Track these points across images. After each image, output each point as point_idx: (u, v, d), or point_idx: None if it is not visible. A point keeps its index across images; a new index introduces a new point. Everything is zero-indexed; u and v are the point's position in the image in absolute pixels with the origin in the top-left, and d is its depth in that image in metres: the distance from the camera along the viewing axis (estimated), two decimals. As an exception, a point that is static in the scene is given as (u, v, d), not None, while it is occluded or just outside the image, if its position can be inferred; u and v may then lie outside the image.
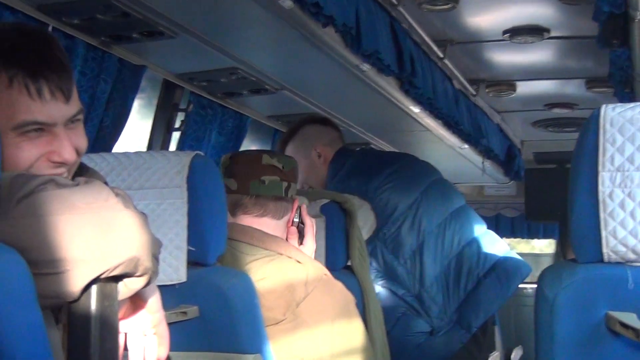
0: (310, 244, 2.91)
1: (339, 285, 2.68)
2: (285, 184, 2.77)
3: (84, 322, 1.39)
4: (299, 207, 2.88)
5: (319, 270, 2.66)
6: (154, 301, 1.65)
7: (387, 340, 3.28)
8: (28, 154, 1.62)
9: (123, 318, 1.64)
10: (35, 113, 1.61)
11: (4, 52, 1.60)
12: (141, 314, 1.65)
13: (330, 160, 3.95)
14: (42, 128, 1.63)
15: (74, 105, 1.67)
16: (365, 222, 3.74)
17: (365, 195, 3.77)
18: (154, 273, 1.47)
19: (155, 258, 1.47)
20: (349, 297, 2.69)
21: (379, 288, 3.86)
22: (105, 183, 1.51)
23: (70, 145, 1.65)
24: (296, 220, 2.87)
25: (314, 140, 3.99)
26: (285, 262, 2.60)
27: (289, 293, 2.51)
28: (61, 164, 1.65)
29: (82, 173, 1.72)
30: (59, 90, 1.63)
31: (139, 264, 1.40)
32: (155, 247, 1.47)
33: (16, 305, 1.24)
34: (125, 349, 1.67)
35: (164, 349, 1.70)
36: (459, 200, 4.03)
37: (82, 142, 1.71)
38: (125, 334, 1.66)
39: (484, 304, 3.82)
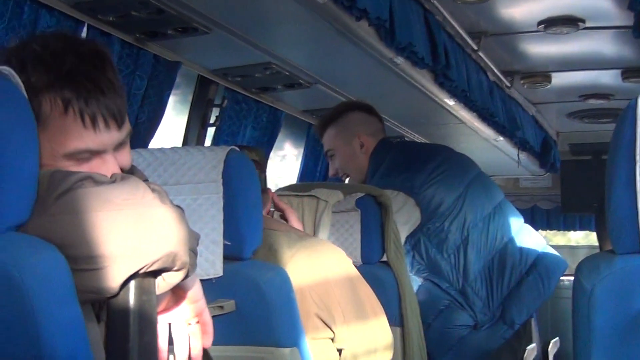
0: (297, 225, 2.92)
1: (331, 249, 2.64)
2: (263, 177, 2.80)
3: (123, 317, 1.40)
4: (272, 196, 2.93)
5: (305, 236, 2.66)
6: (196, 291, 1.67)
7: (423, 334, 3.29)
8: None
9: (166, 310, 1.66)
10: (88, 142, 1.60)
11: (61, 76, 1.58)
12: (184, 305, 1.67)
13: (371, 152, 3.93)
14: (91, 153, 1.64)
15: (125, 130, 1.67)
16: (409, 218, 3.74)
17: (410, 191, 3.76)
18: (191, 267, 1.48)
19: (193, 252, 1.48)
20: (343, 259, 2.64)
21: (422, 281, 3.87)
22: (146, 181, 1.51)
23: (117, 169, 1.65)
24: (272, 209, 2.91)
25: (357, 129, 3.96)
26: (267, 233, 2.60)
27: (272, 257, 2.49)
28: None
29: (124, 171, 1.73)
30: (113, 118, 1.62)
31: (176, 258, 1.42)
32: (193, 241, 1.48)
33: (56, 301, 1.26)
34: (170, 342, 1.69)
35: (208, 337, 1.72)
36: (499, 194, 4.03)
37: (128, 160, 1.71)
38: (170, 324, 1.68)
39: (527, 301, 3.83)
